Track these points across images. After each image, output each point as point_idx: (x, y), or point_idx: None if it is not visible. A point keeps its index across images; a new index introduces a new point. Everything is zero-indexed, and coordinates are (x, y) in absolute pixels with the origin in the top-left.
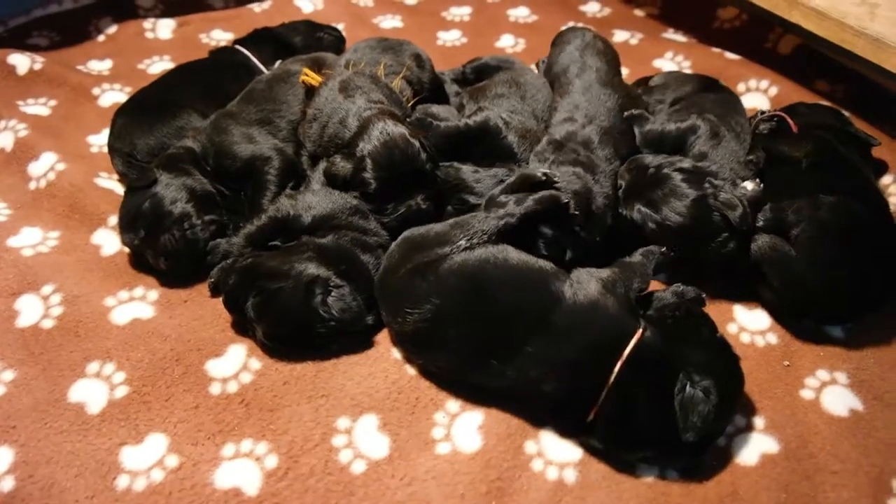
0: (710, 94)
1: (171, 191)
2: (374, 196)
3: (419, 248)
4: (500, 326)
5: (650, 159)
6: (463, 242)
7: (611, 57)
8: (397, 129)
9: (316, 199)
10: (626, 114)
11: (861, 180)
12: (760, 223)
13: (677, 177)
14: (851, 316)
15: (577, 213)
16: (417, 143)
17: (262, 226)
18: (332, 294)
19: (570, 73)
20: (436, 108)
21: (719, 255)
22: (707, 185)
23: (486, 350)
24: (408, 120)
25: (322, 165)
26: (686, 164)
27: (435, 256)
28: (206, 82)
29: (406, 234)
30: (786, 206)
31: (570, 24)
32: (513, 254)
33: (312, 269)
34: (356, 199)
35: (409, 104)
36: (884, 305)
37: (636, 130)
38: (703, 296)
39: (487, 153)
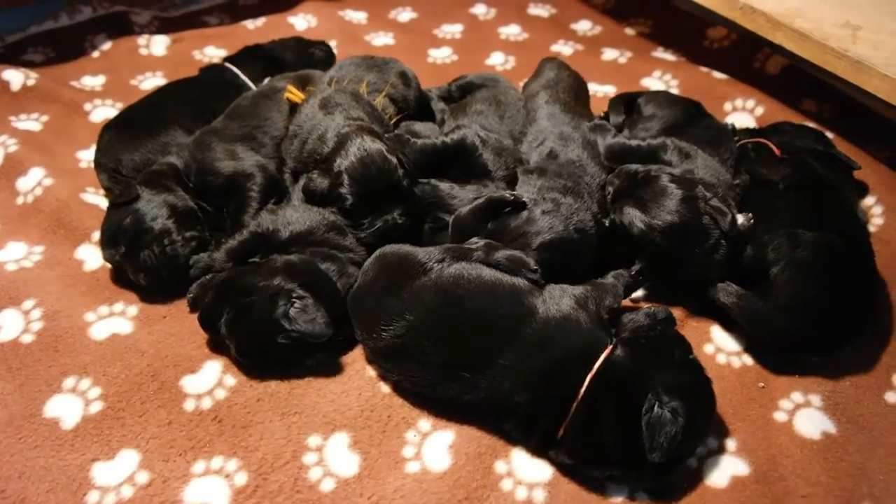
0: (699, 121)
1: (151, 207)
2: (351, 211)
3: (393, 267)
4: (474, 338)
5: (637, 166)
6: (435, 265)
7: (580, 91)
8: (374, 145)
9: (296, 215)
10: (588, 124)
11: (839, 206)
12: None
13: (666, 178)
14: (830, 351)
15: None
16: (394, 159)
17: (243, 240)
18: (295, 305)
19: (538, 100)
20: (418, 126)
21: (703, 264)
22: (698, 190)
23: (460, 362)
24: (386, 136)
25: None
26: (676, 170)
27: (408, 275)
28: (193, 99)
29: (379, 252)
30: (766, 241)
31: (561, 41)
32: (486, 271)
33: (278, 281)
34: (335, 215)
35: (392, 122)
36: (862, 335)
37: (599, 142)
38: (674, 317)
39: (464, 170)
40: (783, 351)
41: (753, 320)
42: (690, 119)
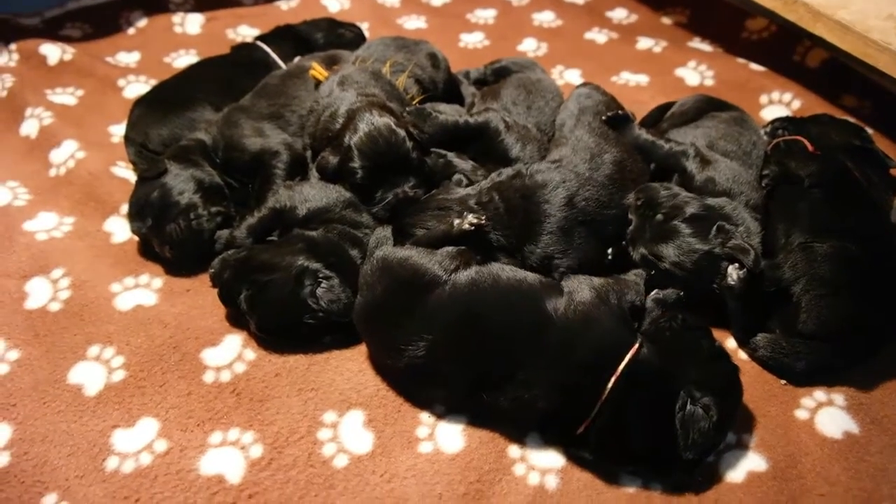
0: (721, 112)
1: (179, 181)
2: (362, 186)
3: (404, 283)
4: (495, 357)
5: (662, 195)
6: (451, 277)
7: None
8: (382, 120)
9: (313, 192)
10: (607, 115)
11: (864, 205)
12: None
13: (686, 231)
14: (864, 360)
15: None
16: (403, 132)
17: (262, 217)
18: (322, 285)
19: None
20: (443, 107)
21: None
22: (717, 232)
23: (481, 382)
24: (407, 109)
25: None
26: (696, 206)
27: (422, 290)
28: (223, 77)
29: (383, 261)
30: (781, 261)
31: (595, 29)
32: (501, 273)
33: (302, 260)
34: (350, 192)
35: (415, 102)
36: (889, 339)
37: (625, 133)
38: (682, 295)
39: (483, 153)
40: (819, 373)
41: (787, 363)
42: (710, 109)
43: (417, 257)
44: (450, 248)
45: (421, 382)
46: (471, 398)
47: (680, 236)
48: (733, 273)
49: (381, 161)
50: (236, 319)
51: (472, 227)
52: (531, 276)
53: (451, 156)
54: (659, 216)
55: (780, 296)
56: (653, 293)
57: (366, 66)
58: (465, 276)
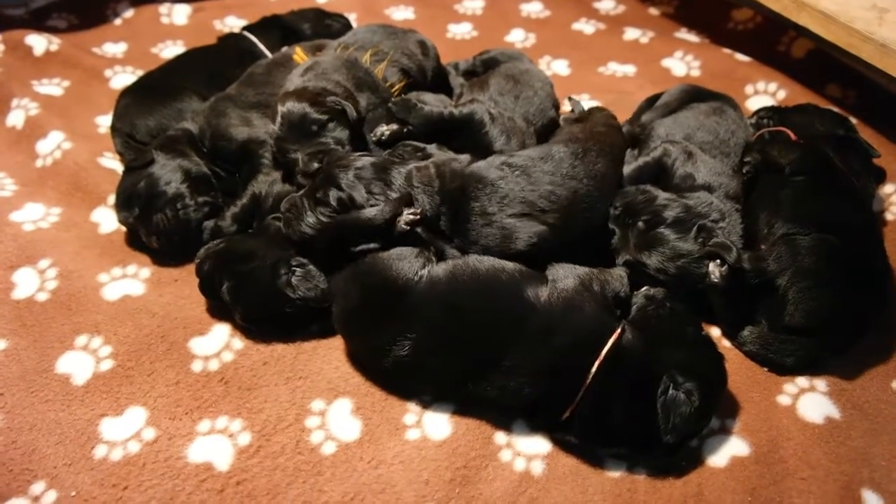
0: (701, 103)
1: (166, 171)
2: (285, 162)
3: (378, 290)
4: (479, 348)
5: (639, 200)
6: (423, 274)
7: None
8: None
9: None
10: None
11: (845, 193)
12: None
13: (669, 237)
14: (847, 349)
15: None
16: (303, 106)
17: (244, 205)
18: (297, 273)
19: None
20: (428, 96)
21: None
22: (697, 232)
23: (467, 374)
24: (393, 100)
25: None
26: (676, 209)
27: (398, 293)
28: (209, 67)
29: (354, 271)
30: (765, 253)
31: (583, 20)
32: (479, 265)
33: (275, 249)
34: None
35: (395, 90)
36: (872, 326)
37: None
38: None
39: (466, 144)
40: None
41: (775, 359)
42: (692, 99)
43: (386, 260)
44: (413, 248)
45: (407, 379)
46: (457, 389)
47: (663, 244)
48: (715, 270)
49: (291, 135)
50: (224, 309)
51: (409, 227)
52: (510, 266)
53: (430, 148)
54: (640, 223)
55: (766, 287)
56: (643, 289)
57: (346, 53)
58: (441, 270)
